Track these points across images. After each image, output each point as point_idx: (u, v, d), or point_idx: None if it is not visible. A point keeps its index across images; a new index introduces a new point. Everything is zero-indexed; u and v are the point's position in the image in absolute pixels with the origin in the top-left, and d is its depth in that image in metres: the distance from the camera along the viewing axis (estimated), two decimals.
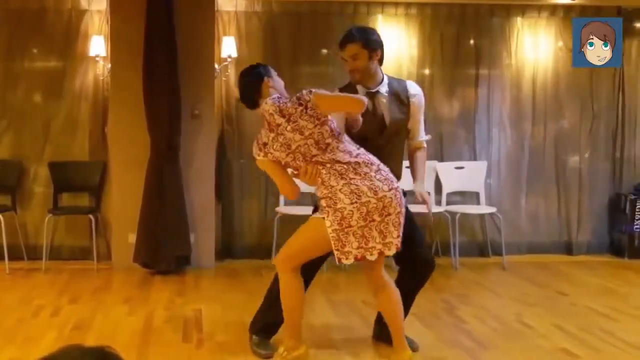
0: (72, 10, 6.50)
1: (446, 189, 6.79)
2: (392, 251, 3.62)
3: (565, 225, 7.13)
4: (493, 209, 6.63)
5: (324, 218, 3.60)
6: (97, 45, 6.31)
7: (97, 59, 6.38)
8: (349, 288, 5.77)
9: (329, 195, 3.57)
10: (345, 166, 3.57)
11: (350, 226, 3.54)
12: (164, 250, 6.02)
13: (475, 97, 7.00)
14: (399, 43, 6.86)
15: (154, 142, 6.07)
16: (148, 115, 6.04)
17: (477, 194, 6.87)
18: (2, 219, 6.11)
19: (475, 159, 6.98)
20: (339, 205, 3.54)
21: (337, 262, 3.63)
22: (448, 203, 6.75)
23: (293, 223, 6.61)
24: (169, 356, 4.06)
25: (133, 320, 4.70)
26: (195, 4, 6.26)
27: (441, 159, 6.90)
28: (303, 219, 6.53)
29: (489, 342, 4.37)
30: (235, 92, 6.73)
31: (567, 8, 6.93)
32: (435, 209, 6.62)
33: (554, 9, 6.98)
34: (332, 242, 3.57)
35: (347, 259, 3.59)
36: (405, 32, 6.88)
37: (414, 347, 4.00)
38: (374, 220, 3.54)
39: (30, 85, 6.54)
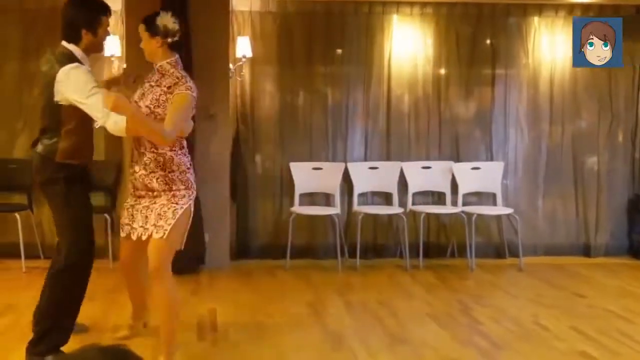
0: None
1: (462, 189, 6.74)
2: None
3: (583, 226, 7.05)
4: (510, 210, 6.58)
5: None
6: (113, 46, 6.32)
7: (112, 59, 6.40)
8: (364, 289, 5.75)
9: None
10: None
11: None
12: (178, 249, 6.00)
13: (492, 97, 6.95)
14: (415, 43, 6.83)
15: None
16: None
17: (493, 195, 6.82)
18: (18, 217, 6.14)
19: (491, 160, 6.92)
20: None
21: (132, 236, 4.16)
22: (464, 204, 6.70)
23: (308, 223, 6.65)
24: (184, 355, 4.06)
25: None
26: (210, 4, 6.25)
27: (457, 160, 6.86)
28: (318, 219, 6.66)
29: (504, 343, 4.33)
30: (251, 91, 6.73)
31: (585, 7, 6.87)
32: (452, 210, 6.61)
33: (571, 8, 6.92)
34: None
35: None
36: (421, 32, 6.85)
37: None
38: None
39: None
